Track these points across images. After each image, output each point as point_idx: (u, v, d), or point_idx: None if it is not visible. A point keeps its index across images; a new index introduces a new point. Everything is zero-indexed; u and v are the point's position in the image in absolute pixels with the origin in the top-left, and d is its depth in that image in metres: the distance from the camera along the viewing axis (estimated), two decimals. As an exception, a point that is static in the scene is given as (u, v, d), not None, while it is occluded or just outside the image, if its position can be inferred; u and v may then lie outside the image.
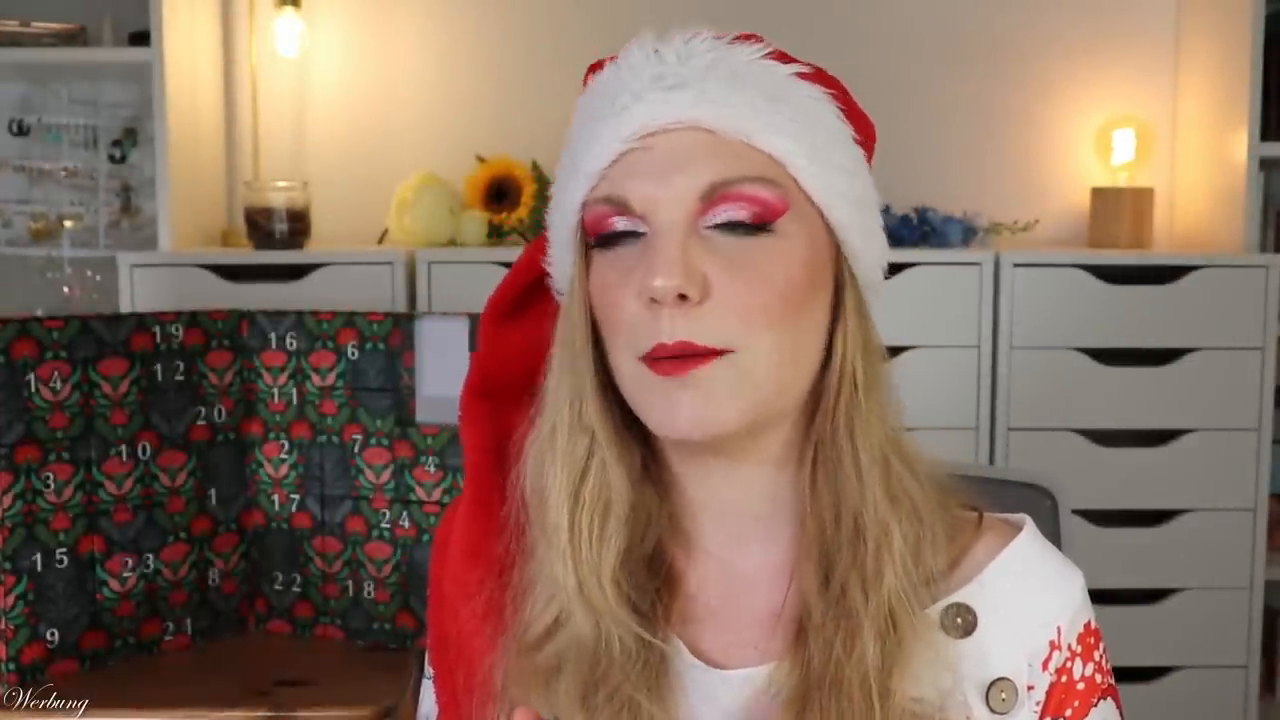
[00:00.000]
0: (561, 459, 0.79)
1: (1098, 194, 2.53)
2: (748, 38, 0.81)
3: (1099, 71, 2.64)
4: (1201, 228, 2.53)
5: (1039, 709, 0.81)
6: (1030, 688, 0.80)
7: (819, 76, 0.80)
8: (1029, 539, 0.84)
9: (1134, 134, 2.55)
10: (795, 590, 0.80)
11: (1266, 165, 2.44)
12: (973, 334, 2.28)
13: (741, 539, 0.82)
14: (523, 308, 0.88)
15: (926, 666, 0.77)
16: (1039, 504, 1.21)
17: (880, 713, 0.75)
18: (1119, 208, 2.48)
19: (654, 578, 0.81)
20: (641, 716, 0.77)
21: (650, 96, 0.76)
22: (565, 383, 0.79)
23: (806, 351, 0.78)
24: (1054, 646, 0.81)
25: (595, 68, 0.83)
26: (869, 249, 0.81)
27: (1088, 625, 0.83)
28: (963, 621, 0.79)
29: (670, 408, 0.74)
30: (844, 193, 0.79)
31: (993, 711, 0.79)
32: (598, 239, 0.78)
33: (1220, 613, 2.32)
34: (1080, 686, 0.82)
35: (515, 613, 0.82)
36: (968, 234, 2.43)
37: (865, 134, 0.82)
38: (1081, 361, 2.29)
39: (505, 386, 0.88)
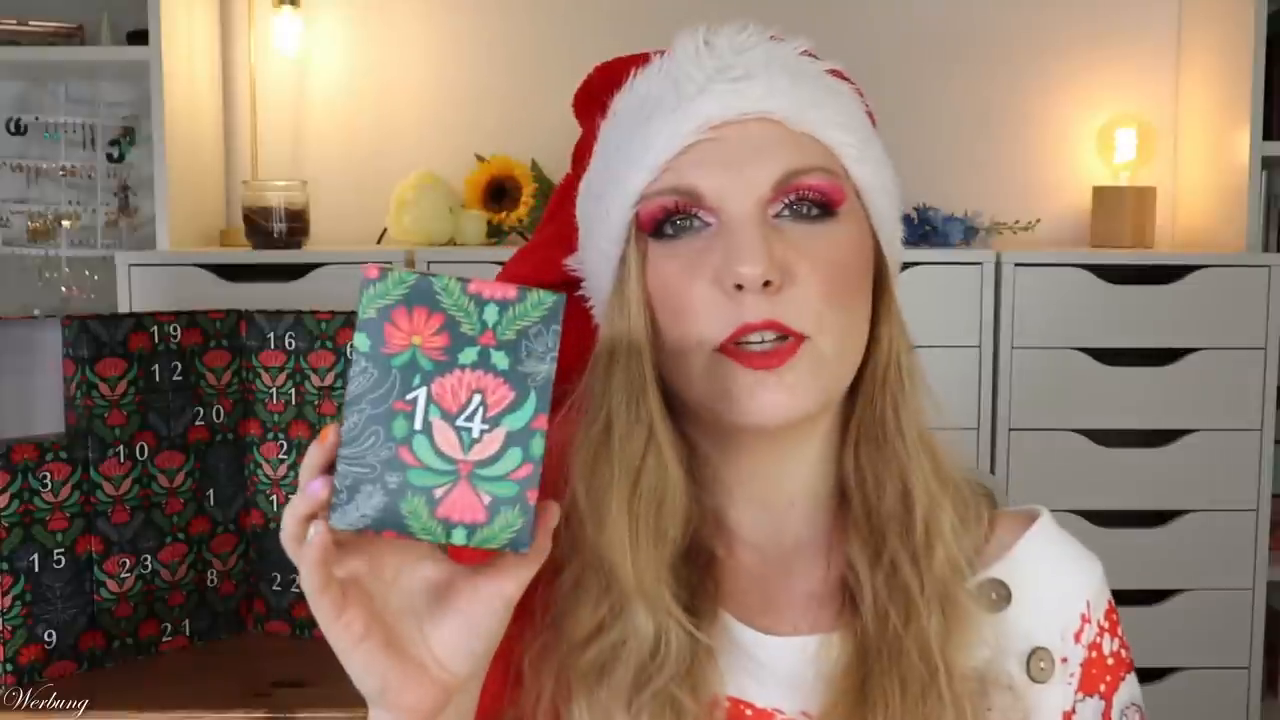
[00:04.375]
0: (618, 455, 0.78)
1: (1099, 193, 2.52)
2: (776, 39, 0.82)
3: (1100, 70, 2.64)
4: (1203, 227, 2.53)
5: (1073, 681, 0.83)
6: (1064, 659, 0.83)
7: (843, 74, 0.83)
8: (1050, 521, 0.87)
9: (1135, 133, 2.55)
10: (838, 567, 0.82)
11: (1268, 164, 2.43)
12: (973, 334, 2.27)
13: (783, 526, 0.83)
14: None
15: (969, 639, 0.79)
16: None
17: (945, 678, 0.77)
18: (1120, 207, 2.47)
19: (693, 570, 0.81)
20: (685, 715, 0.77)
21: (718, 88, 0.76)
22: (619, 378, 0.79)
23: (862, 336, 0.80)
24: (1085, 620, 0.84)
25: (627, 64, 0.83)
26: (895, 242, 0.84)
27: (1110, 603, 0.87)
28: (997, 596, 0.82)
29: (754, 397, 0.74)
30: (882, 186, 0.81)
31: (1032, 680, 0.82)
32: (656, 229, 0.77)
33: (1222, 613, 2.32)
34: (1110, 662, 0.85)
35: (547, 609, 0.80)
36: (969, 233, 2.43)
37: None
38: (1082, 361, 2.29)
39: None
